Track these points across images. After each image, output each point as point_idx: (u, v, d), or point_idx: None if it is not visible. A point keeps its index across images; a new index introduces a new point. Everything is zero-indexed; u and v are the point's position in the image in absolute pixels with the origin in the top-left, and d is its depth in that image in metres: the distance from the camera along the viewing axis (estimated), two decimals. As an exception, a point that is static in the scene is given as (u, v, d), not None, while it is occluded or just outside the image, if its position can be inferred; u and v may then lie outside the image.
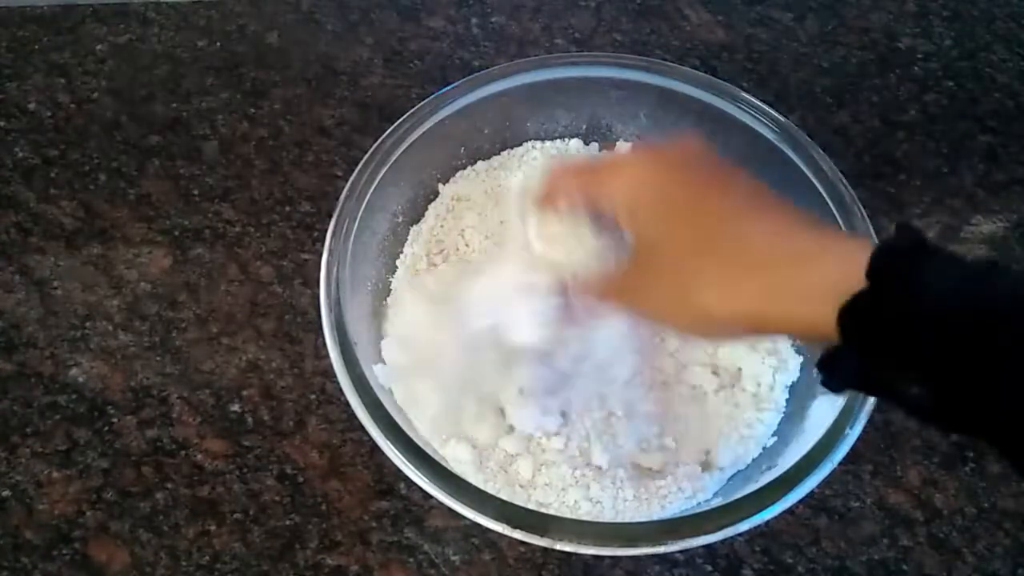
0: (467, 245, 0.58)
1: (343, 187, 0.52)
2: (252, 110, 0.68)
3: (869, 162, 0.68)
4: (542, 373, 0.50)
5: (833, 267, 0.33)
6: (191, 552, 0.52)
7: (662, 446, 0.52)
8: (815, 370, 0.37)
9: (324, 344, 0.48)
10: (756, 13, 0.75)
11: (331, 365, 0.47)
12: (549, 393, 0.51)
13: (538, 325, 0.44)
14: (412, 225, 0.59)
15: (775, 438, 0.52)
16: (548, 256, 0.44)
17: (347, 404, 0.46)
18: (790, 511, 0.42)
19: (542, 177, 0.44)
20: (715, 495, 0.51)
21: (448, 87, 0.56)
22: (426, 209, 0.59)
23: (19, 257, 0.61)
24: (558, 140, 0.62)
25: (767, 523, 0.41)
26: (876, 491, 0.55)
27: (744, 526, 0.42)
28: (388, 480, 0.54)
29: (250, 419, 0.56)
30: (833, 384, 0.34)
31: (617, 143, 0.61)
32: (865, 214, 0.52)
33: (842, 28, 0.75)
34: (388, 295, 0.57)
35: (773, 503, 0.43)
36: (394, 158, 0.53)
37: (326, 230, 0.51)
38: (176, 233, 0.62)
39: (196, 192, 0.64)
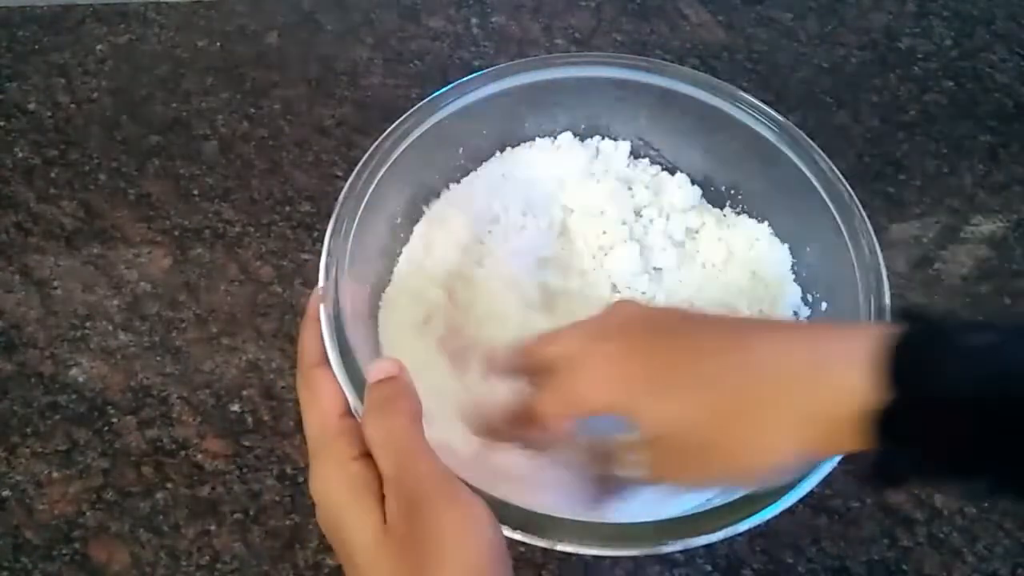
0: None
1: (343, 187, 0.52)
2: (252, 110, 0.68)
3: (869, 162, 0.68)
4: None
5: (842, 379, 0.33)
6: (191, 552, 0.52)
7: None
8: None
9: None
10: (756, 13, 0.75)
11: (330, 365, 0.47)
12: None
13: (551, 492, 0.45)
14: (412, 225, 0.59)
15: (775, 438, 0.52)
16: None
17: (347, 404, 0.46)
18: (790, 511, 0.41)
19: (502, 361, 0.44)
20: (715, 495, 0.51)
21: (448, 87, 0.55)
22: (426, 209, 0.59)
23: (19, 257, 0.61)
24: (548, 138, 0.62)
25: (767, 523, 0.41)
26: (876, 491, 0.54)
27: (744, 526, 0.42)
28: (388, 480, 0.54)
29: (250, 419, 0.56)
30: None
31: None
32: (865, 214, 0.51)
33: (842, 28, 0.75)
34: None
35: (773, 503, 0.42)
36: (393, 158, 0.53)
37: (326, 230, 0.51)
38: (176, 233, 0.62)
39: (196, 192, 0.64)
